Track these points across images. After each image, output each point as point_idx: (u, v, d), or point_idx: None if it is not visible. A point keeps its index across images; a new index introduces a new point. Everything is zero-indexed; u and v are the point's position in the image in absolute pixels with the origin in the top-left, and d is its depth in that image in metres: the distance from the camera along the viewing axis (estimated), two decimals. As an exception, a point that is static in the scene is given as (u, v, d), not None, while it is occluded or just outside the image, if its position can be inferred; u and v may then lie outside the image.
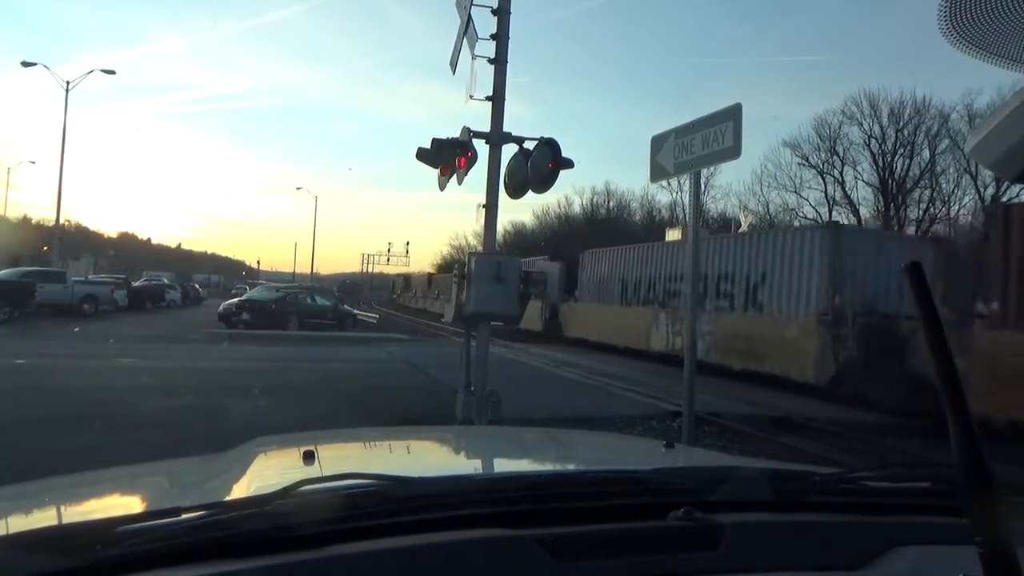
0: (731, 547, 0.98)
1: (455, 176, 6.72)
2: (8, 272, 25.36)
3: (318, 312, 25.78)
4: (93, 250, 72.00)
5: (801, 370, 12.67)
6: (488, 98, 6.71)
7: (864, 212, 38.53)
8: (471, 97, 6.69)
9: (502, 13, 6.71)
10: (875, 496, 1.20)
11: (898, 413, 9.77)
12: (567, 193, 55.18)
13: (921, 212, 37.32)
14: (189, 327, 23.29)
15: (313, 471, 1.32)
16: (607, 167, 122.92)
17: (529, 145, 6.66)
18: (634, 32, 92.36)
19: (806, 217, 39.20)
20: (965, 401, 0.71)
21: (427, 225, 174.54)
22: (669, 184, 43.05)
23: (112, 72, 41.24)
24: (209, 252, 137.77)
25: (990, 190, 34.42)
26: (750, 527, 1.04)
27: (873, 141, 37.83)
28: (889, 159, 37.74)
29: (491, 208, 6.78)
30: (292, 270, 75.33)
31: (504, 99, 6.70)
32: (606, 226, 47.45)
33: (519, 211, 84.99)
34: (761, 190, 43.59)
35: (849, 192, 39.31)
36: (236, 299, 27.24)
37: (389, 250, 73.09)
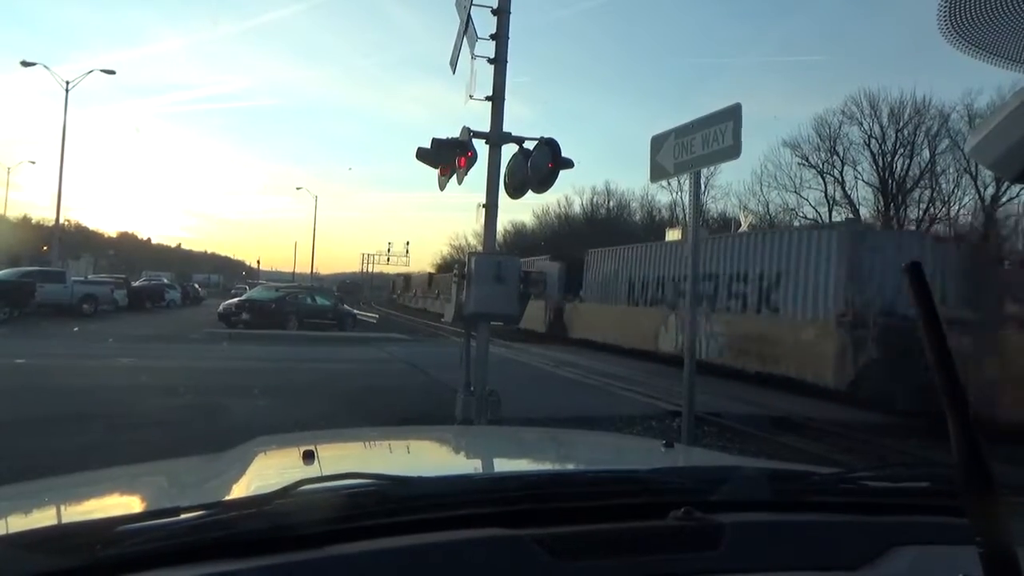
0: (731, 547, 0.98)
1: (455, 176, 6.73)
2: (8, 272, 25.38)
3: (318, 312, 25.80)
4: (93, 250, 72.04)
5: (819, 373, 12.22)
6: (488, 98, 6.71)
7: (864, 212, 38.58)
8: (471, 97, 6.71)
9: (502, 13, 6.71)
10: (875, 496, 1.20)
11: (898, 413, 9.76)
12: (567, 193, 55.30)
13: (921, 212, 37.36)
14: (189, 327, 23.30)
15: (313, 471, 1.32)
16: (607, 167, 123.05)
17: (529, 145, 6.67)
18: (634, 32, 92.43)
19: (806, 217, 39.29)
20: (965, 401, 0.71)
21: (427, 225, 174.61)
22: (669, 184, 43.12)
23: (112, 72, 41.34)
24: (209, 252, 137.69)
25: (990, 190, 34.51)
26: (750, 527, 1.04)
27: (873, 141, 37.91)
28: (889, 159, 37.79)
29: (491, 208, 6.78)
30: (292, 270, 75.51)
31: (504, 99, 6.71)
32: (606, 226, 47.48)
33: (519, 211, 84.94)
34: (761, 190, 43.67)
35: (849, 192, 39.41)
36: (236, 299, 27.29)
37: (389, 250, 73.19)
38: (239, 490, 1.40)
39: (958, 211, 37.09)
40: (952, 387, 0.71)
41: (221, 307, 25.54)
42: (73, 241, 62.67)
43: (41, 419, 7.49)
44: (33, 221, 62.75)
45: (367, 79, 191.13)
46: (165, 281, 45.85)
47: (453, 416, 6.51)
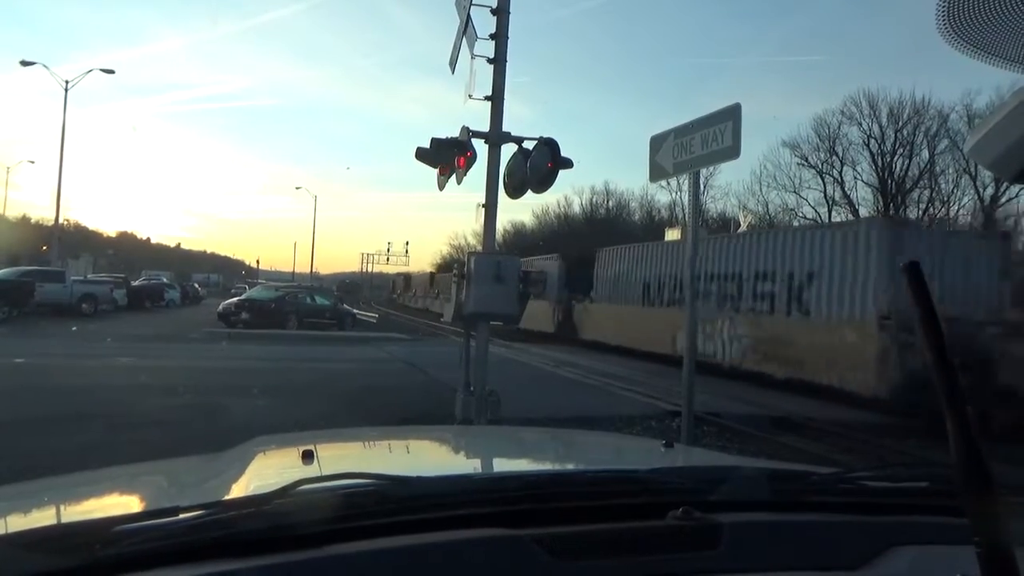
0: (730, 547, 0.98)
1: (454, 176, 6.72)
2: (7, 271, 25.38)
3: (317, 312, 25.80)
4: (92, 249, 71.99)
5: (859, 380, 11.30)
6: (487, 98, 6.71)
7: (863, 212, 38.56)
8: (470, 97, 6.70)
9: (501, 13, 6.71)
10: (874, 496, 1.20)
11: (898, 413, 9.75)
12: (566, 193, 55.33)
13: (920, 212, 37.29)
14: (188, 326, 23.29)
15: (312, 471, 1.32)
16: (607, 167, 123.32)
17: (528, 145, 6.66)
18: (634, 32, 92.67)
19: (805, 217, 39.28)
20: (964, 400, 0.71)
21: (427, 225, 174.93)
22: (668, 184, 43.15)
23: (111, 71, 41.53)
24: (208, 252, 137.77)
25: (989, 190, 34.54)
26: (749, 527, 1.04)
27: (872, 141, 37.89)
28: (888, 159, 37.79)
29: (490, 208, 6.78)
30: (292, 269, 75.55)
31: (503, 99, 6.70)
32: (605, 226, 47.48)
33: (519, 211, 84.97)
34: (760, 190, 43.68)
35: (848, 192, 39.40)
36: (235, 298, 27.27)
37: (388, 250, 73.15)
38: (238, 490, 1.40)
39: (957, 211, 37.16)
40: (951, 387, 0.71)
41: (220, 307, 25.53)
42: (72, 241, 62.63)
43: (41, 419, 7.48)
44: (32, 221, 62.91)
45: (367, 79, 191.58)
46: (164, 281, 45.80)
47: (453, 416, 6.51)
